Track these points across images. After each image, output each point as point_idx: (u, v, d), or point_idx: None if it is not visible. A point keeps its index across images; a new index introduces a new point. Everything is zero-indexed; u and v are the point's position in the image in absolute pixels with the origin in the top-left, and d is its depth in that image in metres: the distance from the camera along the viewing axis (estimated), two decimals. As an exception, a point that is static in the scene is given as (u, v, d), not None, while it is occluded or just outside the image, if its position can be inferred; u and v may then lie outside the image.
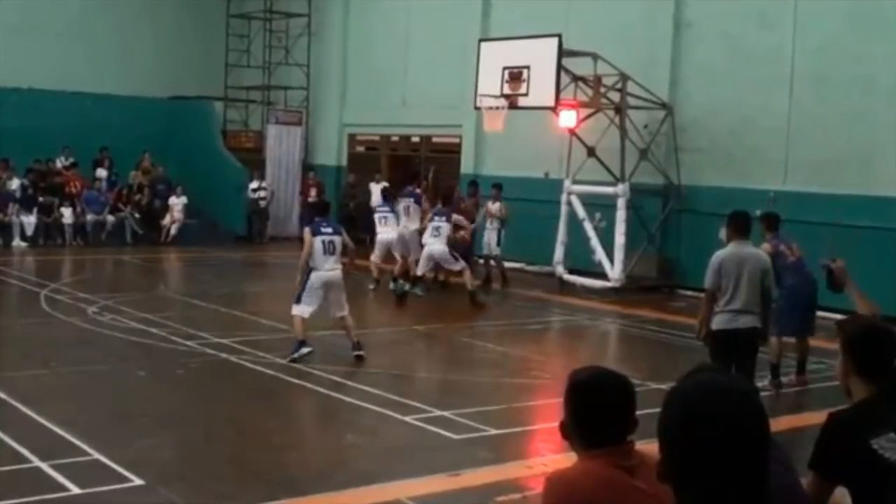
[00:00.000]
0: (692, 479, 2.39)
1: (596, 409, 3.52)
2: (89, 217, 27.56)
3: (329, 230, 13.71)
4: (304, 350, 13.36)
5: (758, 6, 20.92)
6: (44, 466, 8.58)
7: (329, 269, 13.51)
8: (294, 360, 13.20)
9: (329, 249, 13.52)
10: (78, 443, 9.25)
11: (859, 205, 18.87)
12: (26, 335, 15.19)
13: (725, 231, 10.58)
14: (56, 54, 30.14)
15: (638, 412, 3.55)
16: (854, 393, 4.34)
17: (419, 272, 19.47)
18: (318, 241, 13.51)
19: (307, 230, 13.81)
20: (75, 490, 8.07)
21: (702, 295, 11.01)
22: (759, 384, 11.57)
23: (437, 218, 19.24)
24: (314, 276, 13.47)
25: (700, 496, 2.39)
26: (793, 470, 4.66)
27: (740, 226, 10.34)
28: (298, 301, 13.51)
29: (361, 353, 13.65)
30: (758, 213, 13.03)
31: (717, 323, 10.22)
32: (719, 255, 10.28)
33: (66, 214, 27.16)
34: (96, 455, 8.91)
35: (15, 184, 27.18)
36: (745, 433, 2.40)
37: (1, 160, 27.31)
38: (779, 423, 10.14)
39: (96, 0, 31.21)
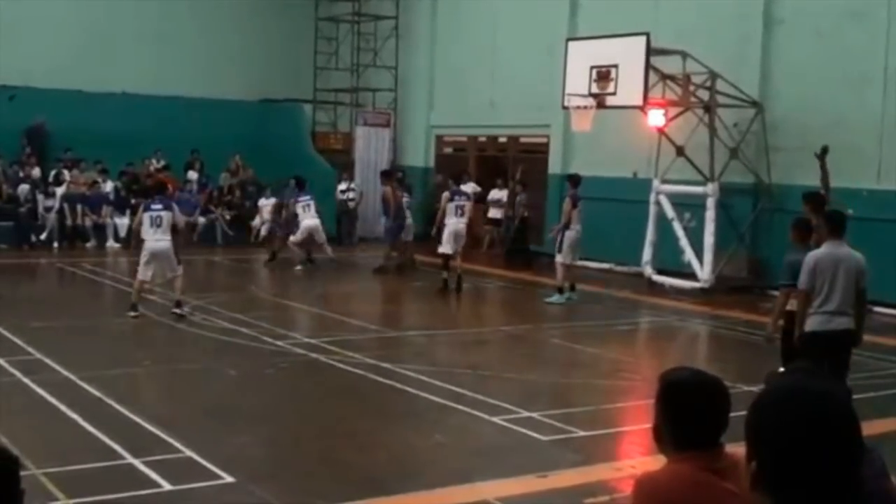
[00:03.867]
0: (784, 485, 2.35)
1: (690, 411, 3.48)
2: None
3: (158, 206, 15.93)
4: (132, 313, 15.76)
5: (850, 1, 20.53)
6: (136, 463, 8.71)
7: (156, 240, 15.76)
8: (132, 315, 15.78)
9: (156, 223, 15.73)
10: (170, 440, 9.38)
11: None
12: (120, 334, 15.45)
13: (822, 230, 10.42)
14: (149, 59, 30.69)
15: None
16: None
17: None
18: (146, 216, 15.78)
19: (141, 207, 16.39)
20: (167, 486, 8.19)
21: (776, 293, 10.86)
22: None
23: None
24: (144, 246, 15.82)
25: (794, 502, 2.35)
26: (887, 476, 4.57)
27: (835, 225, 10.16)
28: (140, 267, 15.95)
29: (180, 311, 15.83)
30: (850, 211, 12.78)
31: (813, 324, 10.05)
32: (815, 255, 10.11)
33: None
34: (188, 452, 9.04)
35: (109, 186, 27.71)
36: (837, 437, 2.35)
37: (95, 163, 27.89)
38: (872, 428, 9.96)
39: (188, 6, 31.69)
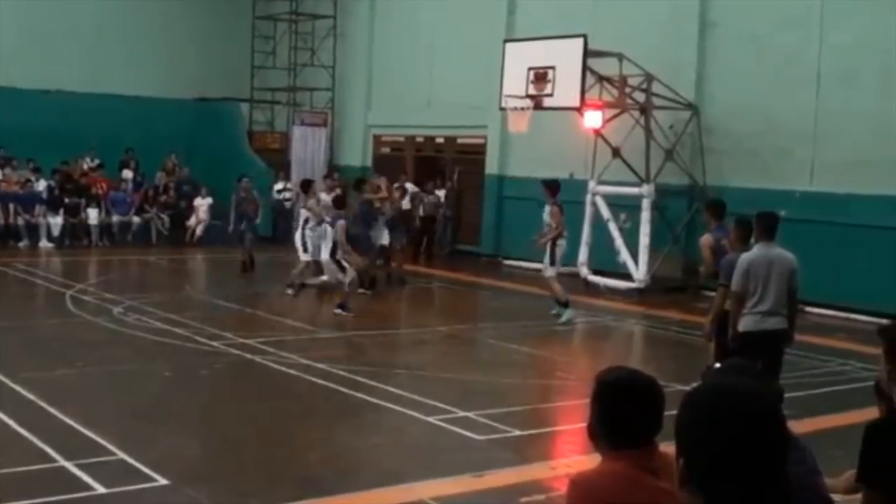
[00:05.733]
0: (713, 482, 2.37)
1: (625, 410, 3.51)
2: (115, 218, 27.72)
3: (328, 220, 18.33)
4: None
5: (783, 5, 20.77)
6: (69, 466, 8.61)
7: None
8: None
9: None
10: (103, 442, 9.28)
11: (887, 205, 18.71)
12: (52, 335, 15.26)
13: (753, 232, 10.52)
14: (83, 56, 30.31)
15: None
16: None
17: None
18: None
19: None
20: (101, 490, 8.10)
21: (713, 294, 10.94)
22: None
23: None
24: None
25: (722, 499, 2.37)
26: (818, 472, 4.63)
27: (767, 226, 10.26)
28: None
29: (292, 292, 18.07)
30: (783, 213, 12.93)
31: (746, 324, 10.15)
32: (747, 256, 10.20)
33: (92, 215, 27.30)
34: (121, 455, 8.94)
35: (42, 185, 27.34)
36: (766, 434, 2.37)
37: (28, 161, 27.49)
38: (804, 426, 10.08)
39: (122, 3, 31.31)
